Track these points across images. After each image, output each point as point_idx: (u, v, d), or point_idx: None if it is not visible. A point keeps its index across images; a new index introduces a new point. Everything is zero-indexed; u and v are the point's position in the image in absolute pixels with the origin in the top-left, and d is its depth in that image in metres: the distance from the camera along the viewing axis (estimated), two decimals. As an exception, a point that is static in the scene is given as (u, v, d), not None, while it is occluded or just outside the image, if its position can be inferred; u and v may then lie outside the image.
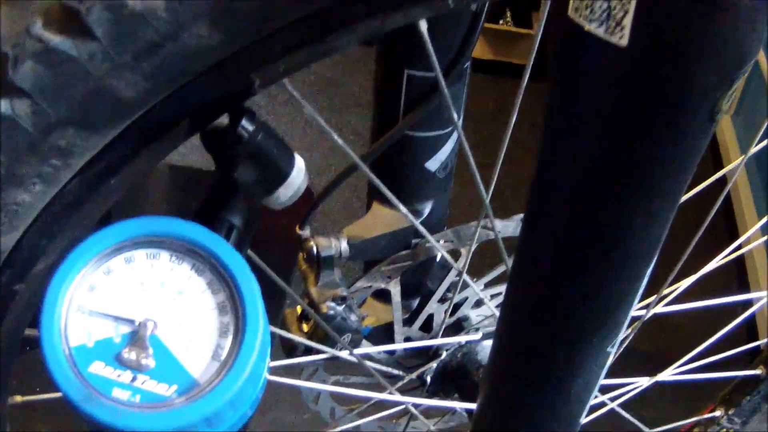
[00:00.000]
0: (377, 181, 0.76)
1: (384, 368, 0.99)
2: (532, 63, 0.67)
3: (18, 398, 0.80)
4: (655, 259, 0.51)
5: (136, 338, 0.50)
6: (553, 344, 0.57)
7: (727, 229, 2.70)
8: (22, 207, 0.56)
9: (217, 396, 0.49)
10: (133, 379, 0.49)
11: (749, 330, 2.23)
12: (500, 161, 0.80)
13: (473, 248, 0.91)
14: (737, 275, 2.57)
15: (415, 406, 1.00)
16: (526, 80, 0.67)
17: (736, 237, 1.07)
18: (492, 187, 0.81)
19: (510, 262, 0.92)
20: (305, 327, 0.94)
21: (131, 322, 0.51)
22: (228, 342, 0.50)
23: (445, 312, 1.02)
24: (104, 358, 0.50)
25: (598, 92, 0.43)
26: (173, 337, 0.51)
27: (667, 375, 1.12)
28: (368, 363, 0.92)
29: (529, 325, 0.58)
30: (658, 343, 2.21)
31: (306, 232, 0.89)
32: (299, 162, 0.65)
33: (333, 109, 2.96)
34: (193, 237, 0.52)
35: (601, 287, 0.52)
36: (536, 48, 0.64)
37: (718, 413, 1.26)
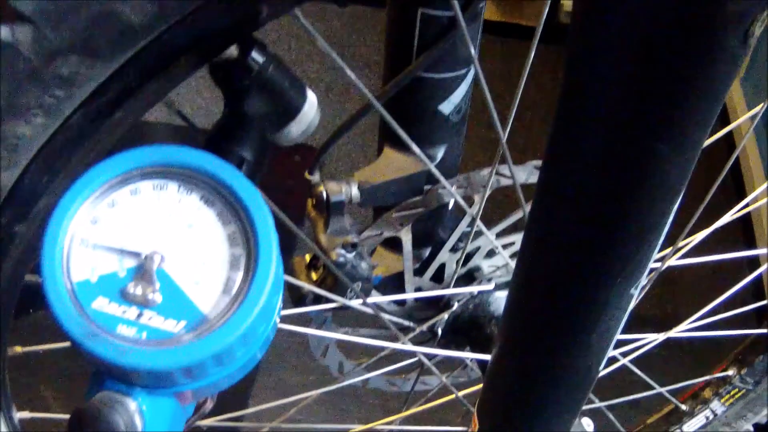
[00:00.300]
0: (391, 121, 0.73)
1: (395, 319, 0.97)
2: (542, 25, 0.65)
3: (18, 349, 0.78)
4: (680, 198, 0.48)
5: (141, 272, 0.47)
6: (576, 286, 0.55)
7: (735, 187, 2.68)
8: (22, 141, 0.53)
9: (227, 331, 0.46)
10: (139, 315, 0.47)
11: (756, 290, 2.21)
12: (516, 104, 0.77)
13: (487, 194, 0.88)
14: (743, 234, 2.55)
15: (429, 357, 0.98)
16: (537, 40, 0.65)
17: (744, 196, 1.05)
18: (507, 130, 0.79)
19: (527, 208, 0.90)
20: (314, 276, 0.92)
21: (137, 255, 0.48)
22: (239, 275, 0.48)
23: (457, 262, 1.00)
24: (108, 294, 0.47)
25: (627, 13, 0.40)
26: (181, 270, 0.48)
27: (680, 331, 1.10)
28: (382, 313, 0.89)
29: (550, 266, 0.55)
30: (667, 304, 2.20)
31: (316, 177, 0.86)
32: (311, 97, 0.62)
33: (341, 69, 2.92)
34: (203, 166, 0.49)
35: (629, 222, 0.49)
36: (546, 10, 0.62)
37: (730, 372, 1.25)
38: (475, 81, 0.86)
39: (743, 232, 2.55)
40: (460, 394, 0.98)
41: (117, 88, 0.54)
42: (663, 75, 0.41)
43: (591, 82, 0.44)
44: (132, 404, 0.48)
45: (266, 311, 0.48)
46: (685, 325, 1.11)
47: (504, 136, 0.78)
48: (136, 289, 0.47)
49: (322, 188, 0.85)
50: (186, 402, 0.52)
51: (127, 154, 0.49)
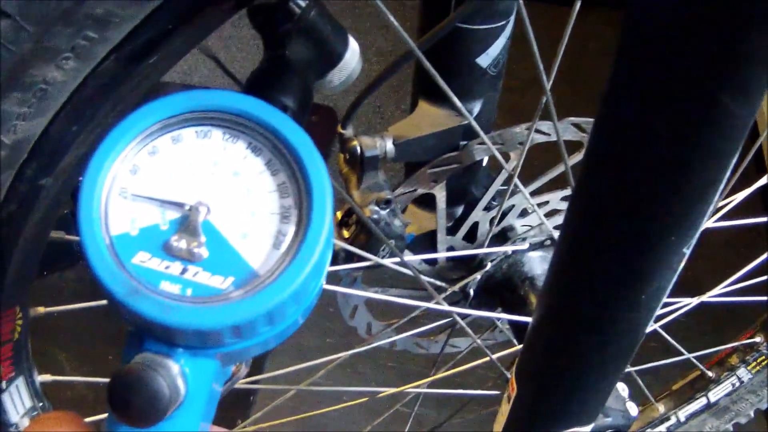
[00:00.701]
0: (431, 69, 0.69)
1: (429, 279, 0.94)
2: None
3: (41, 309, 0.75)
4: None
5: (186, 225, 0.44)
6: (630, 242, 0.52)
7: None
8: (52, 86, 0.50)
9: (279, 288, 0.42)
10: (184, 270, 0.43)
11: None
12: (559, 59, 0.73)
13: (525, 150, 0.84)
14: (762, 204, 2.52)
15: (462, 318, 0.94)
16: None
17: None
18: (551, 82, 0.75)
19: (570, 162, 0.86)
20: (346, 233, 0.88)
21: (180, 206, 0.44)
22: (290, 228, 0.44)
23: (492, 220, 0.96)
24: (150, 248, 0.43)
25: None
26: (228, 223, 0.44)
27: (713, 296, 1.07)
28: (419, 274, 0.86)
29: (603, 222, 0.52)
30: (686, 271, 2.17)
31: (349, 132, 0.82)
32: (353, 44, 0.59)
33: (358, 31, 2.86)
34: (250, 111, 0.45)
35: (690, 176, 0.46)
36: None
37: (757, 339, 1.23)
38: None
39: (762, 199, 2.52)
40: (494, 356, 0.95)
41: (152, 31, 0.50)
42: (727, 27, 0.38)
43: (653, 29, 0.41)
44: (174, 366, 0.44)
45: (318, 267, 0.44)
46: (718, 290, 1.08)
47: (548, 88, 0.74)
48: (179, 243, 0.43)
49: (355, 143, 0.82)
50: (228, 363, 0.49)
51: (167, 100, 0.45)
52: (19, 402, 0.73)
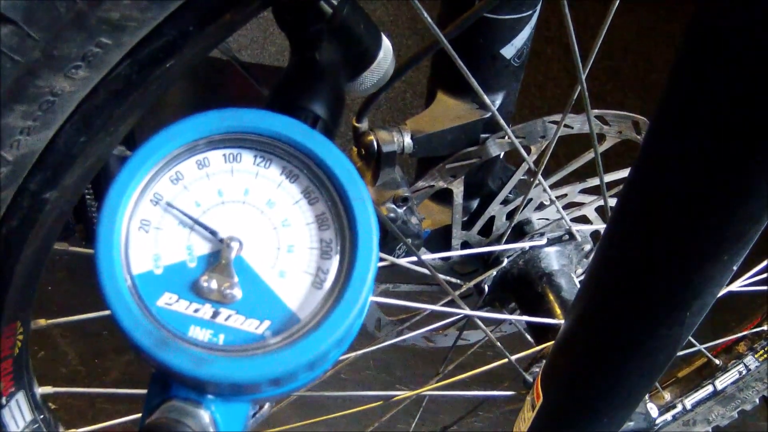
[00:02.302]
0: (458, 60, 0.65)
1: (445, 277, 0.90)
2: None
3: (42, 322, 0.71)
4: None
5: (216, 262, 0.39)
6: (683, 261, 0.49)
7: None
8: (60, 98, 0.44)
9: (323, 336, 0.38)
10: (215, 314, 0.38)
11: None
12: (597, 46, 0.69)
13: (554, 142, 0.80)
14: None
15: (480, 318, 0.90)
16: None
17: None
18: (587, 70, 0.71)
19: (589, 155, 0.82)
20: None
21: (209, 240, 0.40)
22: (332, 265, 0.39)
23: (510, 214, 0.92)
24: (177, 289, 0.39)
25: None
26: (263, 259, 0.39)
27: (739, 286, 1.05)
28: (438, 274, 0.82)
29: (654, 236, 0.49)
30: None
31: (364, 125, 0.77)
32: (386, 42, 0.54)
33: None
34: (284, 132, 0.40)
35: (748, 197, 0.43)
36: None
37: (765, 327, 1.22)
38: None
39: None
40: (513, 357, 0.91)
41: (172, 33, 0.45)
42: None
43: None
44: (206, 415, 0.40)
45: (364, 307, 0.40)
46: (742, 281, 1.05)
47: (583, 78, 0.69)
48: (210, 283, 0.39)
49: (372, 137, 0.77)
50: (261, 404, 0.45)
51: (191, 121, 0.41)
52: (19, 416, 0.70)
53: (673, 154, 0.45)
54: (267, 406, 0.48)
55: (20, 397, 0.69)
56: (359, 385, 1.69)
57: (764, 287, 1.05)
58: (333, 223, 0.40)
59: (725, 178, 0.42)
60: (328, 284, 0.39)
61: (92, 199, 1.58)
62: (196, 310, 0.39)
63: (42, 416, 0.73)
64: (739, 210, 0.43)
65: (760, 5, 0.35)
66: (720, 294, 0.96)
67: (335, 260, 0.40)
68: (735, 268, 0.49)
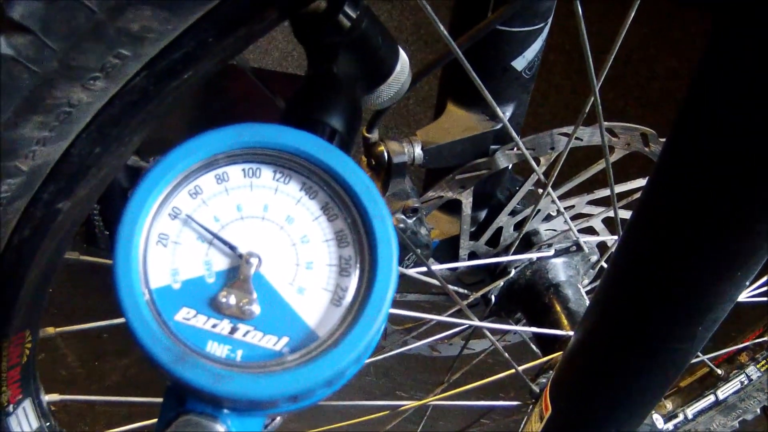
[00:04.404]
0: (471, 71, 0.65)
1: (453, 288, 0.89)
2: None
3: (51, 330, 0.71)
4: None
5: (235, 277, 0.39)
6: (697, 277, 0.49)
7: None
8: (77, 109, 0.44)
9: (342, 354, 0.37)
10: (233, 330, 0.38)
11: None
12: (611, 58, 0.69)
13: (565, 154, 0.80)
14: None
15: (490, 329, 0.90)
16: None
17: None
18: (601, 81, 0.70)
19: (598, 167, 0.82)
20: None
21: (228, 256, 0.39)
22: (352, 282, 0.39)
23: (518, 225, 0.92)
24: (195, 304, 0.39)
25: None
26: (282, 275, 0.39)
27: (747, 296, 1.05)
28: (449, 285, 0.81)
29: (668, 251, 0.49)
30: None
31: (374, 135, 0.77)
32: (403, 55, 0.54)
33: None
34: (304, 148, 0.40)
35: (761, 212, 0.43)
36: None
37: (767, 338, 1.21)
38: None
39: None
40: (520, 368, 0.91)
41: (190, 45, 0.45)
42: None
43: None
44: (221, 429, 0.40)
45: (382, 324, 0.39)
46: (746, 292, 1.05)
47: (596, 89, 0.69)
48: (228, 299, 0.38)
49: (382, 148, 0.77)
50: (274, 417, 0.44)
51: (209, 135, 0.40)
52: (26, 423, 0.69)
53: (689, 171, 0.44)
54: (279, 417, 0.48)
55: (27, 404, 0.68)
56: (360, 391, 1.68)
57: (767, 298, 1.05)
58: (352, 241, 0.40)
59: (740, 195, 0.42)
60: (347, 301, 0.39)
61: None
62: (214, 326, 0.38)
63: (48, 424, 0.73)
64: (755, 228, 0.43)
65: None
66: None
67: (354, 277, 0.39)
68: (747, 282, 0.49)
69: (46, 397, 0.72)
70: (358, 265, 0.39)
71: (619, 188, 0.89)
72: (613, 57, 0.67)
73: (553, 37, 0.73)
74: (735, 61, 0.38)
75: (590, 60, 0.64)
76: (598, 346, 0.59)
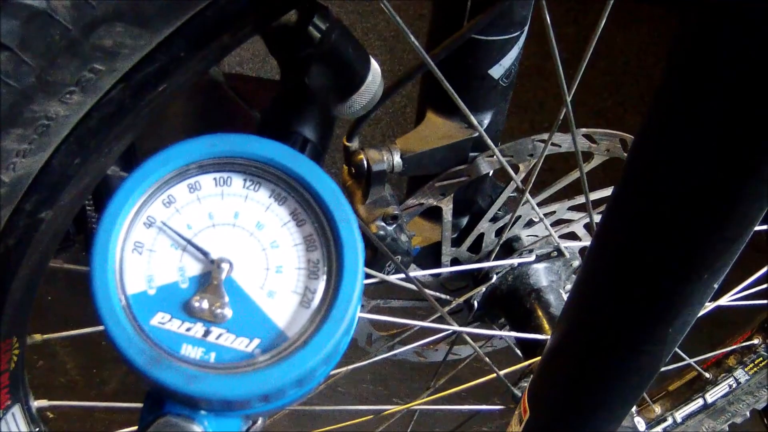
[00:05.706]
0: (444, 81, 0.66)
1: (434, 293, 0.91)
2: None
3: (38, 337, 0.72)
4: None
5: (207, 282, 0.40)
6: (662, 280, 0.50)
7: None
8: (54, 122, 0.46)
9: (311, 353, 0.39)
10: (206, 332, 0.40)
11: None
12: (582, 68, 0.70)
13: (541, 161, 0.81)
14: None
15: (470, 334, 0.92)
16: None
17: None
18: (573, 90, 0.72)
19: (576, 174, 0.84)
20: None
21: (200, 262, 0.41)
22: (320, 285, 0.41)
23: (500, 231, 0.93)
24: (169, 309, 0.40)
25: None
26: (252, 280, 0.41)
27: (729, 300, 1.06)
28: (426, 290, 0.83)
29: (635, 252, 0.49)
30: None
31: (354, 144, 0.79)
32: (375, 65, 0.55)
33: (359, 13, 2.80)
34: (272, 156, 0.42)
35: (729, 217, 0.44)
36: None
37: (755, 341, 1.22)
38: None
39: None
40: (501, 372, 0.93)
41: (163, 59, 0.47)
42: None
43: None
44: (198, 429, 0.41)
45: (351, 325, 0.41)
46: (730, 295, 1.06)
47: (568, 99, 0.71)
48: (201, 303, 0.40)
49: (362, 156, 0.78)
50: (252, 419, 0.46)
51: (183, 146, 0.42)
52: (15, 429, 0.70)
53: (654, 175, 0.45)
54: (260, 420, 0.49)
55: (16, 410, 0.69)
56: (356, 399, 1.70)
57: (753, 302, 1.05)
58: (320, 245, 0.42)
59: (704, 199, 0.43)
60: (315, 303, 0.41)
61: (93, 211, 1.59)
62: (188, 329, 0.40)
63: (38, 429, 0.74)
64: (718, 231, 0.44)
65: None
66: (709, 309, 0.97)
67: (322, 280, 0.41)
68: (716, 285, 0.50)
69: (36, 403, 0.74)
70: (325, 268, 0.41)
71: (599, 194, 0.90)
72: (585, 64, 0.69)
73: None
74: (697, 63, 0.39)
75: (560, 68, 0.66)
76: (570, 350, 0.60)
